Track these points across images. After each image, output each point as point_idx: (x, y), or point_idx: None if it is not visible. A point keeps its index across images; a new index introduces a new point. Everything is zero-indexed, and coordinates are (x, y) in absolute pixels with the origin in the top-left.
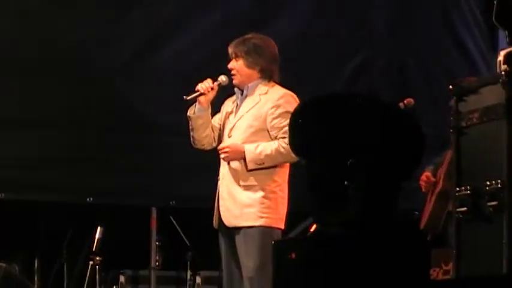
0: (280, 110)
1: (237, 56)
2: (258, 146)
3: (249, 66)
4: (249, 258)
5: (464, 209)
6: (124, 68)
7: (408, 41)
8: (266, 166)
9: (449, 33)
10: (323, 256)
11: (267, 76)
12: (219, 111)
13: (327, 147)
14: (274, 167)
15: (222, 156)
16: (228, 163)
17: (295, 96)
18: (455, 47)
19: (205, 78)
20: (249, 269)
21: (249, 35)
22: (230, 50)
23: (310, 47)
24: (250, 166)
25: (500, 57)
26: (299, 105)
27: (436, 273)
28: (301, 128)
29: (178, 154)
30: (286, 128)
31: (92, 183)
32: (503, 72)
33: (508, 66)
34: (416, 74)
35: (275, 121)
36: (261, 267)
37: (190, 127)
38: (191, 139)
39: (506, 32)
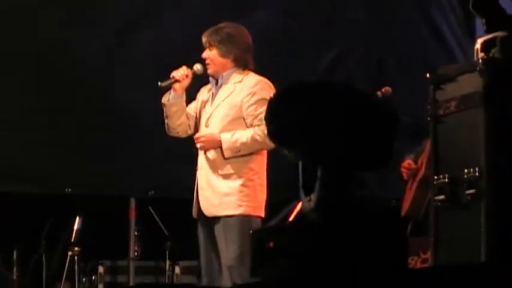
0: (255, 98)
1: (210, 46)
2: (234, 134)
3: (222, 55)
4: (228, 248)
5: (442, 197)
6: (103, 54)
7: (385, 31)
8: (243, 153)
9: (425, 21)
10: (301, 245)
11: (241, 65)
12: (194, 99)
13: (301, 134)
14: (251, 154)
15: (198, 145)
16: (205, 153)
17: (270, 83)
18: (432, 35)
19: (181, 67)
20: (228, 258)
21: (222, 24)
22: (204, 39)
23: (286, 37)
24: (227, 154)
25: (478, 45)
26: (275, 93)
27: (415, 262)
28: (277, 115)
29: (157, 143)
30: (262, 116)
31: (70, 174)
32: (480, 60)
33: (485, 54)
34: (394, 63)
35: (250, 108)
36: (241, 256)
37: (164, 114)
38: (165, 126)
39: (483, 20)
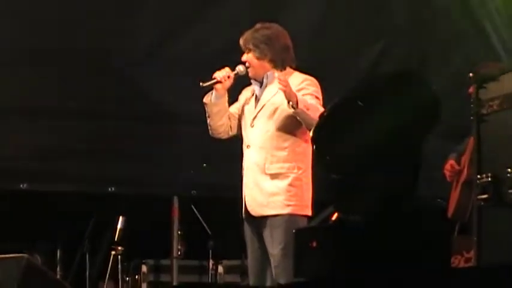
0: (302, 92)
1: (247, 48)
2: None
3: (258, 57)
4: (275, 247)
5: (485, 196)
6: (143, 58)
7: (428, 29)
8: (307, 115)
9: (469, 20)
10: (344, 245)
11: (279, 65)
12: (236, 100)
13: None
14: (297, 154)
15: (282, 84)
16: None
17: (315, 80)
18: (475, 34)
19: (224, 68)
20: (276, 257)
21: (258, 26)
22: (241, 42)
23: (329, 35)
24: (300, 106)
25: None
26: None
27: (458, 261)
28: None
29: (199, 143)
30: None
31: (113, 173)
32: None
33: None
34: (437, 62)
35: (301, 93)
36: (286, 255)
37: (207, 114)
38: (208, 127)
39: None
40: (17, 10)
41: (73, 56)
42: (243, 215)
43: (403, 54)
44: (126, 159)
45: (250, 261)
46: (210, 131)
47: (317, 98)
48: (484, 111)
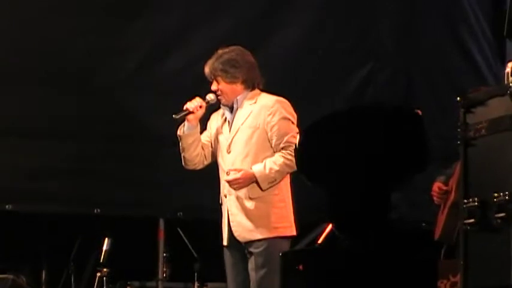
0: (277, 117)
1: (215, 76)
2: (265, 164)
3: (230, 82)
4: (259, 269)
5: (472, 220)
6: (128, 79)
7: (414, 53)
8: (278, 181)
9: (455, 44)
10: (330, 268)
11: (251, 85)
12: (205, 129)
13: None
14: None
15: (234, 187)
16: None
17: (287, 101)
18: (462, 58)
19: (195, 98)
20: (259, 281)
21: (219, 52)
22: (206, 71)
23: (314, 59)
24: (264, 186)
25: (508, 69)
26: (307, 126)
27: (444, 285)
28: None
29: None
30: (288, 137)
31: (99, 195)
32: (511, 84)
33: None
34: (423, 86)
35: (274, 128)
36: (273, 277)
37: (181, 148)
38: (182, 160)
39: None
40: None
41: (57, 76)
42: (226, 242)
43: (389, 77)
44: (111, 181)
45: (233, 286)
46: (184, 164)
47: (289, 119)
48: (471, 135)
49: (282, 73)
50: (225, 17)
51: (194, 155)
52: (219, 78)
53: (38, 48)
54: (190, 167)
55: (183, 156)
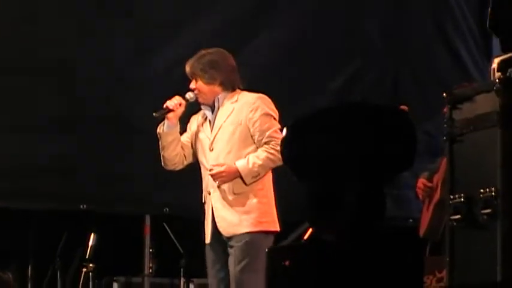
0: (258, 112)
1: (194, 75)
2: (248, 159)
3: (208, 82)
4: (239, 263)
5: (458, 216)
6: (114, 77)
7: (401, 50)
8: (262, 176)
9: (442, 41)
10: (317, 264)
11: (229, 87)
12: (185, 130)
13: (321, 159)
14: None
15: (218, 181)
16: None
17: (266, 97)
18: (448, 54)
19: (174, 96)
20: (239, 274)
21: (202, 52)
22: (187, 69)
23: (301, 57)
24: (248, 181)
25: (494, 65)
26: (292, 122)
27: (430, 281)
28: (292, 144)
29: None
30: (270, 132)
31: (85, 190)
32: (497, 80)
33: (501, 73)
34: (410, 83)
35: (256, 124)
36: (257, 273)
37: (160, 146)
38: (162, 160)
39: (500, 39)
40: None
41: (42, 72)
42: (209, 239)
43: (376, 74)
44: (97, 177)
45: (214, 284)
46: (164, 164)
47: (271, 115)
48: (457, 131)
49: (269, 71)
50: (212, 15)
51: (173, 155)
52: (198, 78)
53: (22, 45)
54: (170, 167)
55: (163, 156)
